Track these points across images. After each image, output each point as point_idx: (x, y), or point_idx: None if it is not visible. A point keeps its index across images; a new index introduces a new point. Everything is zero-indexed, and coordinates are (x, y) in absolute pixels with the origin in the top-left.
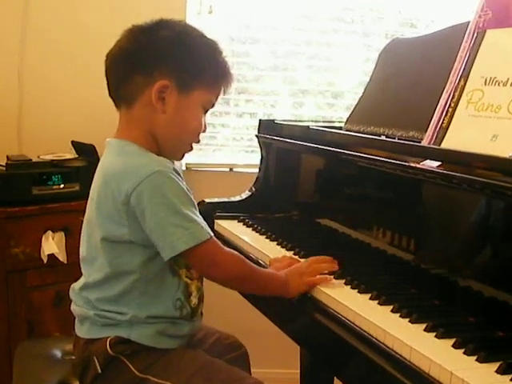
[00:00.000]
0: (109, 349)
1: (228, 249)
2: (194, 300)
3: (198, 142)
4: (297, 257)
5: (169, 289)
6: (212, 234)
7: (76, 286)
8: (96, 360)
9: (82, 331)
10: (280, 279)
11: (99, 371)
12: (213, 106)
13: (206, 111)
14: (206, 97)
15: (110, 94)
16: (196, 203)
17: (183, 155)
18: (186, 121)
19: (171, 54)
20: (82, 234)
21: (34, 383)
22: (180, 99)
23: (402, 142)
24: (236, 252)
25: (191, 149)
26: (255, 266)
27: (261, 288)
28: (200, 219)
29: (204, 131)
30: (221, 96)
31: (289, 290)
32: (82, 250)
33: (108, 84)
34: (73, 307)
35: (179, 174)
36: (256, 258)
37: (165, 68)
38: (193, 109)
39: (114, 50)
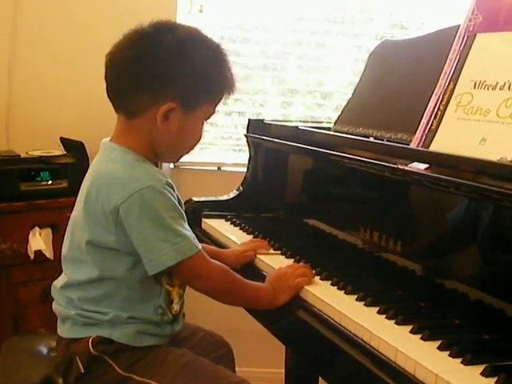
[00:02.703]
0: (91, 348)
1: (214, 261)
2: (176, 307)
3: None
4: (283, 257)
5: (151, 296)
6: (200, 247)
7: (57, 284)
8: (78, 360)
9: (63, 331)
10: (267, 290)
11: (82, 371)
12: (213, 114)
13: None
14: (209, 111)
15: (108, 95)
16: (185, 215)
17: (179, 159)
18: (188, 137)
19: (177, 75)
20: (66, 232)
21: (19, 379)
22: (184, 117)
23: (391, 143)
24: (223, 265)
25: (188, 153)
26: (242, 278)
27: (248, 301)
28: (189, 232)
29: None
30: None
31: (277, 300)
32: (64, 248)
33: (107, 87)
34: (55, 307)
35: (172, 187)
36: None
37: (172, 90)
38: (195, 124)
39: (116, 58)
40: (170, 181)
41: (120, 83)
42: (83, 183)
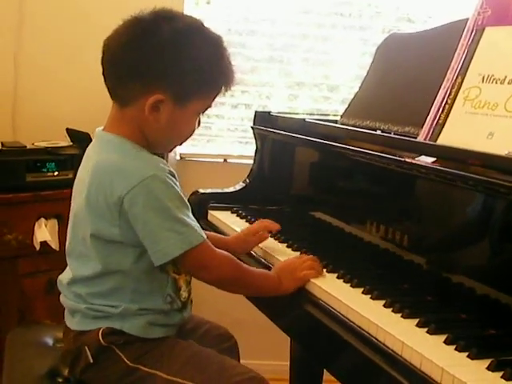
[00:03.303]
0: (101, 339)
1: (220, 251)
2: (184, 294)
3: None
4: (290, 249)
5: (158, 285)
6: (205, 237)
7: (63, 279)
8: (87, 350)
9: (72, 323)
10: (273, 279)
11: (91, 361)
12: (209, 107)
13: (202, 113)
14: (202, 105)
15: (104, 81)
16: (188, 204)
17: (172, 150)
18: (179, 129)
19: (169, 67)
20: (68, 226)
21: (25, 370)
22: (175, 110)
23: (398, 137)
24: (228, 254)
25: (181, 144)
26: (248, 267)
27: (253, 290)
28: (193, 222)
29: (198, 127)
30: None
31: (282, 288)
32: (67, 243)
33: (103, 72)
34: (62, 299)
35: (174, 176)
36: None
37: (162, 81)
38: (187, 118)
39: (113, 43)
40: (171, 169)
41: (113, 70)
42: (80, 175)
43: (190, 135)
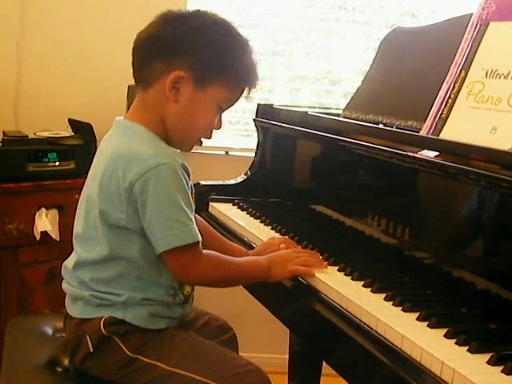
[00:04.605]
0: (102, 328)
1: (205, 255)
2: (188, 288)
3: (210, 138)
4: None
5: (163, 277)
6: (201, 240)
7: (68, 264)
8: (89, 339)
9: (74, 311)
10: (261, 266)
11: (91, 350)
12: (231, 105)
13: (223, 110)
14: (222, 95)
15: (133, 73)
16: (193, 206)
17: (191, 148)
18: (197, 116)
19: (194, 46)
20: (78, 211)
21: (24, 360)
22: (195, 93)
23: (400, 131)
24: (213, 256)
25: (200, 143)
26: (234, 261)
27: (240, 281)
28: (194, 221)
29: (218, 128)
30: (243, 97)
31: (271, 276)
32: (78, 227)
33: (132, 62)
34: (65, 286)
35: (187, 172)
36: (249, 241)
37: (184, 59)
38: (206, 105)
39: (144, 32)
40: (186, 164)
41: (139, 52)
42: (97, 160)
43: (209, 133)
